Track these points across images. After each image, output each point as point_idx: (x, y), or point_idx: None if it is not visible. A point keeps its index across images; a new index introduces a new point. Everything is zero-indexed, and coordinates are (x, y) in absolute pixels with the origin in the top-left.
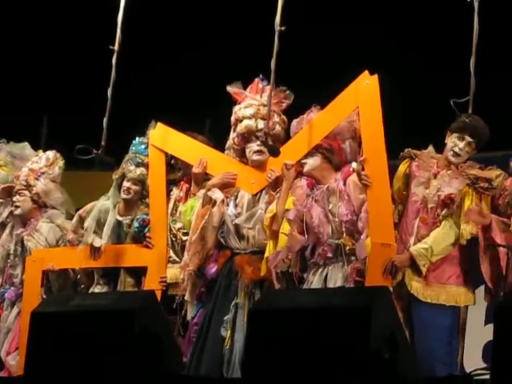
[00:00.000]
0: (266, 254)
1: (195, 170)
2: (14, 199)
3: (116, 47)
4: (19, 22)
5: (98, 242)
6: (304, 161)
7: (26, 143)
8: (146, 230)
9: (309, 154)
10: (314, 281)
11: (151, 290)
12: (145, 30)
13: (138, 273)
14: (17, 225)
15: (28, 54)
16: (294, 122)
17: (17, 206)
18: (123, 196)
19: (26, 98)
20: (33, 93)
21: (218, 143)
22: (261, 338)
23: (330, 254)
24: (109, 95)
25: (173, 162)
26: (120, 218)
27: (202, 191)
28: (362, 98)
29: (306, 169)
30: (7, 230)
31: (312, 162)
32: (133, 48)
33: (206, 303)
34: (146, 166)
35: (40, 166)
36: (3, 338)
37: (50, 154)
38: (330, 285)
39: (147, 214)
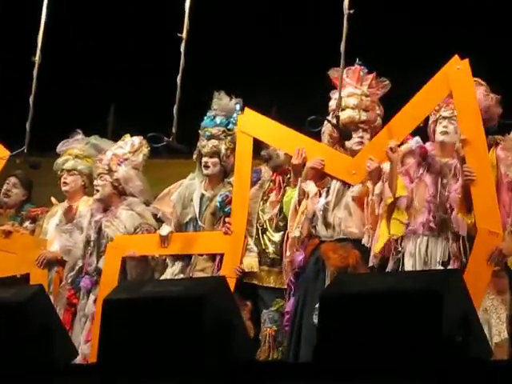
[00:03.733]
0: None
1: (294, 161)
2: (95, 183)
3: (184, 35)
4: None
5: (164, 231)
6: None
7: (110, 141)
8: (227, 209)
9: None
10: (412, 250)
11: (222, 276)
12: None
13: None
14: (96, 211)
15: (93, 45)
16: None
17: (97, 190)
18: (204, 172)
19: (93, 88)
20: (100, 82)
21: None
22: (331, 324)
23: (433, 225)
24: (178, 83)
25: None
26: (204, 192)
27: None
28: (454, 82)
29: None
30: (87, 219)
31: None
32: (197, 36)
33: (296, 291)
34: (216, 136)
35: (124, 151)
36: (82, 326)
37: (136, 140)
38: (431, 257)
39: (231, 192)
